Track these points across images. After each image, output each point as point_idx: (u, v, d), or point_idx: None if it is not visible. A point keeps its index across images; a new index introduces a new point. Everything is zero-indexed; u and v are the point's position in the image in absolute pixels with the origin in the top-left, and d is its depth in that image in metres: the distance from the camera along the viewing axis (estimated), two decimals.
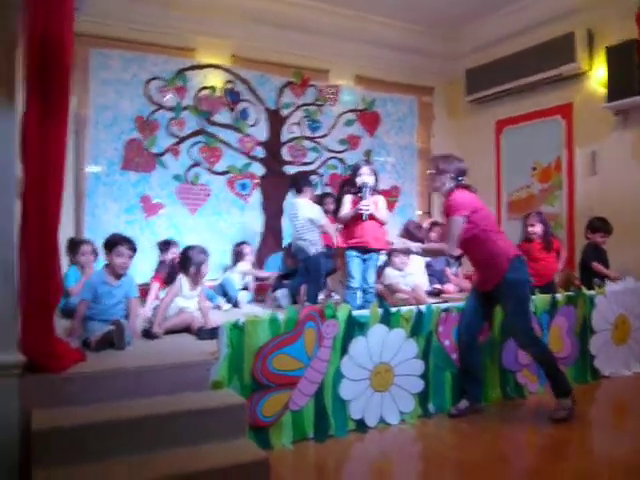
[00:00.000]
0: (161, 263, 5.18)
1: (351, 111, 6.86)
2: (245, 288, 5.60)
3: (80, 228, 5.38)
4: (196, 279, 4.11)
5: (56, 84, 2.75)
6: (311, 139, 6.63)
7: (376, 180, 4.26)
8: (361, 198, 4.12)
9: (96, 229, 5.26)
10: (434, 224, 5.95)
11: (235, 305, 5.20)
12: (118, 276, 3.66)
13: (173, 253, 5.02)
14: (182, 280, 4.08)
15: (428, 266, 5.61)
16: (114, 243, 3.66)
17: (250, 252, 5.73)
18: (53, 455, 2.31)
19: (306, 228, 5.14)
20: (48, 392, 2.66)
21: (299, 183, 5.13)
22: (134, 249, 3.72)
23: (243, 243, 5.74)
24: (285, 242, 6.33)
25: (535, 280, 4.93)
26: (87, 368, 2.86)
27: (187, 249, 4.19)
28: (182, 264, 4.15)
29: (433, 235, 5.80)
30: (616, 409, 3.99)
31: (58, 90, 2.75)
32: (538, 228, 4.92)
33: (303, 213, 4.81)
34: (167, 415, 2.55)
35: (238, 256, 5.64)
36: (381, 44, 6.72)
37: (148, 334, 3.73)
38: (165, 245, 5.21)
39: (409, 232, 5.58)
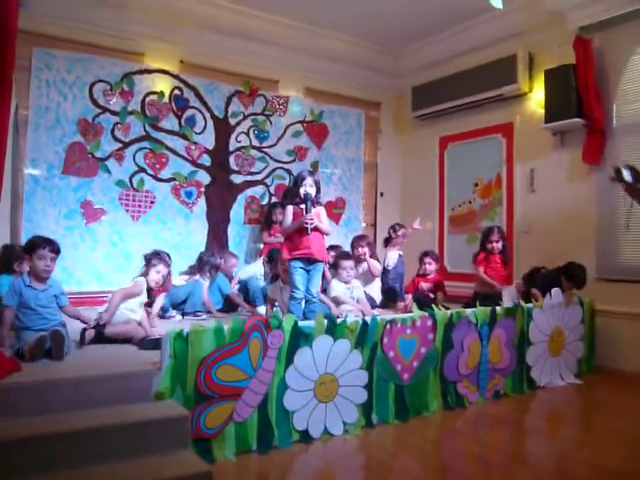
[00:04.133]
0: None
1: (299, 122, 6.90)
2: None
3: (17, 234, 5.16)
4: (150, 284, 4.19)
5: None
6: (259, 149, 6.62)
7: (317, 191, 4.28)
8: (303, 209, 4.13)
9: (34, 235, 5.07)
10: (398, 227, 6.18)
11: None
12: (42, 280, 3.50)
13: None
14: (144, 285, 4.13)
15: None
16: (35, 246, 3.49)
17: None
18: None
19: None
20: None
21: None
22: (57, 251, 3.55)
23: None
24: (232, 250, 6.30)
25: (487, 288, 5.21)
26: (23, 378, 2.74)
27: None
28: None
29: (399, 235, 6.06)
30: (551, 418, 4.13)
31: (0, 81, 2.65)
32: (500, 244, 5.31)
33: None
34: (108, 427, 2.47)
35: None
36: (331, 58, 6.80)
37: (82, 339, 3.66)
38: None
39: (369, 244, 5.75)
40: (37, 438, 2.33)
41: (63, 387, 2.76)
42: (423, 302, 4.77)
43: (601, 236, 5.29)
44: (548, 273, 5.15)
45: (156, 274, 4.17)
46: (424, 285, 5.71)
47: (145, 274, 4.19)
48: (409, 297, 5.64)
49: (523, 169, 6.10)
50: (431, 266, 5.71)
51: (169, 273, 4.47)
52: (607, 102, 5.26)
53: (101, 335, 3.75)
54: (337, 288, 4.80)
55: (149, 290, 4.24)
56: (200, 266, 5.40)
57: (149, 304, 4.40)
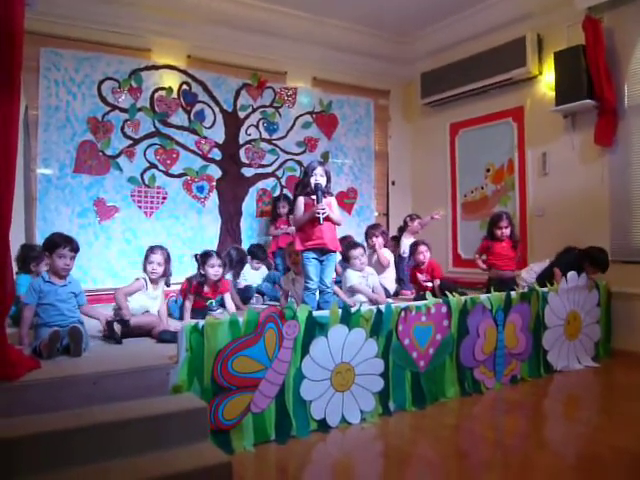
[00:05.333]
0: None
1: (308, 113, 6.89)
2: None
3: (31, 233, 5.22)
4: (150, 276, 4.14)
5: (5, 76, 2.65)
6: (268, 141, 6.62)
7: (328, 181, 4.27)
8: (314, 200, 4.12)
9: (48, 234, 5.08)
10: (415, 216, 6.25)
11: None
12: (62, 277, 3.56)
13: (211, 265, 4.51)
14: (145, 279, 4.11)
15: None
16: (55, 244, 3.54)
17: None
18: (9, 466, 2.23)
19: None
20: (2, 401, 2.57)
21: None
22: (76, 249, 3.60)
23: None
24: (244, 244, 6.32)
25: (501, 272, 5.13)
26: (42, 375, 2.78)
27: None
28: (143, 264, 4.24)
29: (415, 225, 6.12)
30: (569, 402, 4.11)
31: (8, 82, 2.66)
32: (508, 230, 5.21)
33: None
34: (127, 421, 2.49)
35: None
36: (338, 47, 6.77)
37: (112, 333, 3.70)
38: (204, 257, 4.60)
39: (383, 233, 5.75)
40: (56, 433, 2.36)
41: (81, 383, 2.79)
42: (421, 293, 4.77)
43: (615, 218, 5.24)
44: (571, 256, 5.09)
45: (149, 265, 4.16)
46: (420, 276, 5.61)
47: (144, 268, 4.18)
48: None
49: (535, 153, 6.05)
50: (423, 256, 5.54)
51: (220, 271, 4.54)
52: (618, 82, 5.19)
53: (126, 327, 3.81)
54: (352, 277, 4.79)
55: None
56: (231, 265, 5.42)
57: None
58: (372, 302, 4.54)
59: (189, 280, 4.58)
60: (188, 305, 4.46)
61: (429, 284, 5.40)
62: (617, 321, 5.10)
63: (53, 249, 3.53)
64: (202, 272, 4.49)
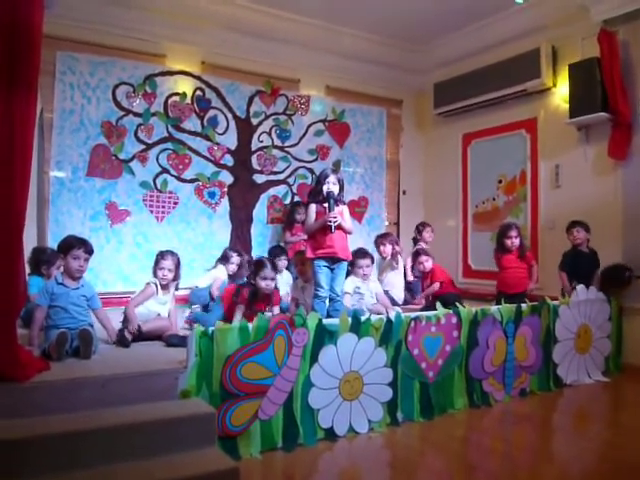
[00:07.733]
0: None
1: (321, 121, 6.90)
2: None
3: (43, 235, 5.25)
4: (160, 282, 4.09)
5: (23, 78, 2.67)
6: (281, 148, 6.63)
7: (340, 189, 4.27)
8: (326, 208, 4.12)
9: (60, 236, 5.09)
10: (425, 225, 6.24)
11: None
12: (75, 279, 3.58)
13: (263, 278, 4.01)
14: (156, 284, 4.08)
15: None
16: (69, 246, 3.58)
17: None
18: (17, 467, 2.23)
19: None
20: (11, 402, 2.58)
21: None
22: (90, 251, 3.63)
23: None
24: (254, 252, 6.31)
25: (507, 289, 5.06)
26: (51, 377, 2.79)
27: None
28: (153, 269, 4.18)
29: (426, 235, 6.12)
30: (578, 416, 4.08)
31: (25, 85, 2.68)
32: (518, 240, 5.15)
33: None
34: (135, 425, 2.50)
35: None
36: (352, 56, 6.78)
37: (123, 339, 3.69)
38: (257, 266, 4.16)
39: (392, 243, 5.75)
40: (64, 435, 2.36)
41: (90, 385, 2.79)
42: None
43: (628, 232, 5.19)
44: (568, 252, 5.19)
45: (159, 270, 4.12)
46: (425, 283, 5.58)
47: (154, 274, 4.15)
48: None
49: (548, 165, 6.02)
50: (423, 266, 5.45)
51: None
52: (633, 96, 5.16)
53: (139, 335, 3.81)
54: (347, 283, 4.69)
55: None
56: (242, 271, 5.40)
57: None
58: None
59: (239, 288, 4.14)
60: (239, 316, 3.85)
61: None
62: (628, 336, 5.05)
63: (68, 250, 3.56)
64: (252, 282, 4.03)
